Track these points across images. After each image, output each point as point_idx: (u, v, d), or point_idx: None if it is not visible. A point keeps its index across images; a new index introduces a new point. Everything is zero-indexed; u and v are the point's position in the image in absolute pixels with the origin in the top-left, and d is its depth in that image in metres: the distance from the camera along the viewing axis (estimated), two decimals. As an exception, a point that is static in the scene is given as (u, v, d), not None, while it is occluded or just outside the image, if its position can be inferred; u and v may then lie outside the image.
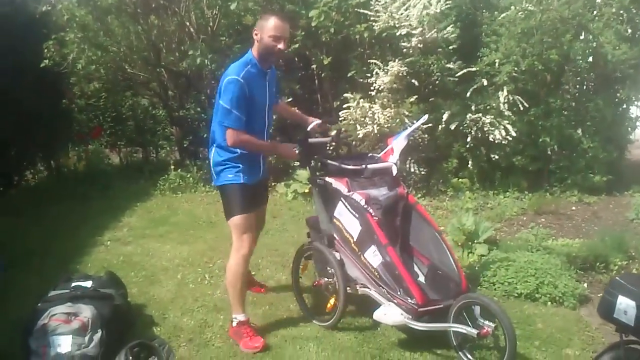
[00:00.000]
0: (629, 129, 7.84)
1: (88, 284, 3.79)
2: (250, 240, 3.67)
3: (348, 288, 3.79)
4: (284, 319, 4.01)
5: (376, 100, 7.02)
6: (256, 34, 3.57)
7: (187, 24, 8.06)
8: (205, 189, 7.60)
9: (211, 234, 5.86)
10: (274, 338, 3.74)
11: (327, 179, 3.92)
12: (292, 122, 5.58)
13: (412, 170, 7.04)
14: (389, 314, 3.59)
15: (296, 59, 8.07)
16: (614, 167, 7.44)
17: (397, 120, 6.76)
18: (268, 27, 3.51)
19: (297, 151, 3.76)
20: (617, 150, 7.55)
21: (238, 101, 3.45)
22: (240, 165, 3.63)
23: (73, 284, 3.76)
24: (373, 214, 3.68)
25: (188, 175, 7.87)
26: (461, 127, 6.99)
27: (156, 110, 9.69)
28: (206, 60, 7.43)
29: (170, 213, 6.72)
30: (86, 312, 3.43)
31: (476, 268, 4.72)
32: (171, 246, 5.52)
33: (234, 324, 3.69)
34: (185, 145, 8.87)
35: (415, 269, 3.89)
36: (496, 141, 6.87)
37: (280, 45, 3.53)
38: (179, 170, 7.99)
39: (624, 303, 2.49)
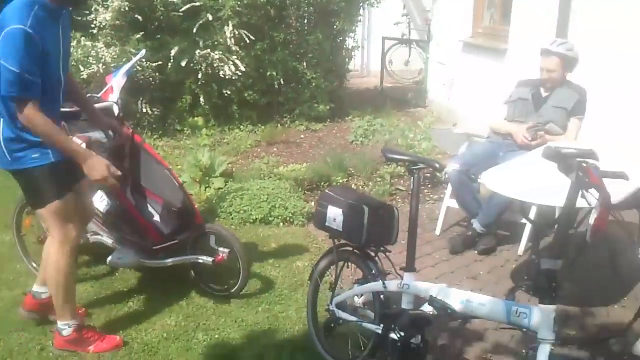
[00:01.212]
0: (346, 59, 8.55)
1: None
2: (77, 227, 2.95)
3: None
4: (10, 281, 3.69)
5: (99, 38, 6.60)
6: None
7: None
8: None
9: None
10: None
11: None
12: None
13: (145, 110, 6.83)
14: (124, 257, 3.53)
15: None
16: (336, 96, 8.12)
17: (124, 59, 6.44)
18: None
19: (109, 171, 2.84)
20: (337, 80, 8.22)
21: (28, 60, 2.55)
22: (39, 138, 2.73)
23: None
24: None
25: None
26: (191, 64, 6.94)
27: None
28: None
29: None
30: None
31: (214, 201, 4.85)
32: None
33: (65, 332, 2.99)
34: None
35: (149, 209, 3.84)
36: (226, 77, 6.98)
37: None
38: None
39: (332, 212, 2.77)
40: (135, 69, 6.15)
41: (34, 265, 3.75)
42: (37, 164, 2.77)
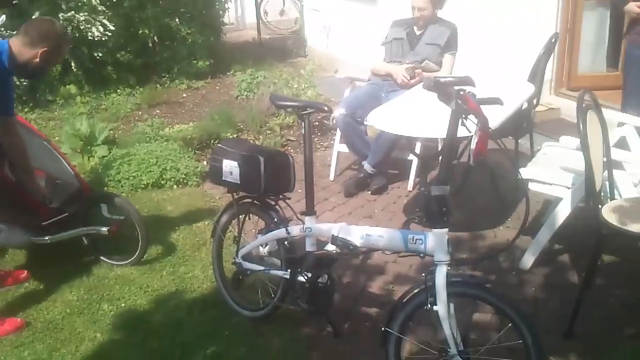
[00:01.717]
0: (220, 12, 8.35)
1: None
2: None
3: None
4: None
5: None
6: None
7: None
8: None
9: None
10: None
11: None
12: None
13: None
14: (12, 236, 3.34)
15: None
16: (214, 51, 7.95)
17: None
18: None
19: None
20: (214, 35, 8.04)
21: None
22: None
23: None
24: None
25: None
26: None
27: None
28: None
29: None
30: None
31: (99, 170, 4.65)
32: None
33: None
34: None
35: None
36: (96, 38, 6.61)
37: None
38: None
39: (228, 165, 2.76)
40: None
41: None
42: None
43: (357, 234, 2.42)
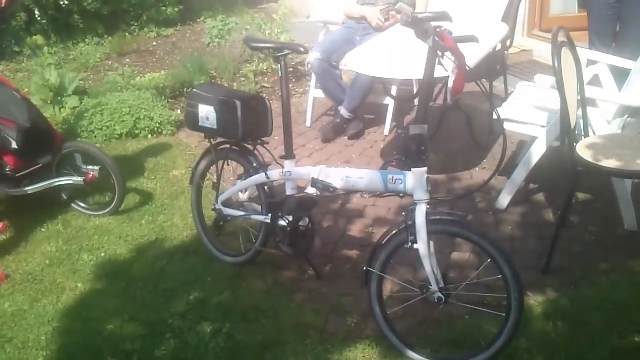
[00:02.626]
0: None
1: None
2: None
3: None
4: None
5: None
6: None
7: None
8: None
9: None
10: None
11: None
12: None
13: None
14: (-16, 189, 3.29)
15: None
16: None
17: None
18: None
19: None
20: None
21: None
22: None
23: None
24: None
25: None
26: (16, -24, 6.23)
27: None
28: None
29: None
30: None
31: (71, 120, 4.55)
32: None
33: None
34: None
35: (3, 135, 3.55)
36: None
37: None
38: None
39: (204, 110, 2.71)
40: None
41: None
42: None
43: (337, 176, 2.42)
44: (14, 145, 3.45)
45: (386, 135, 4.35)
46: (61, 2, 6.60)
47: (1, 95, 3.49)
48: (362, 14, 4.35)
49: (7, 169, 3.25)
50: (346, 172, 2.44)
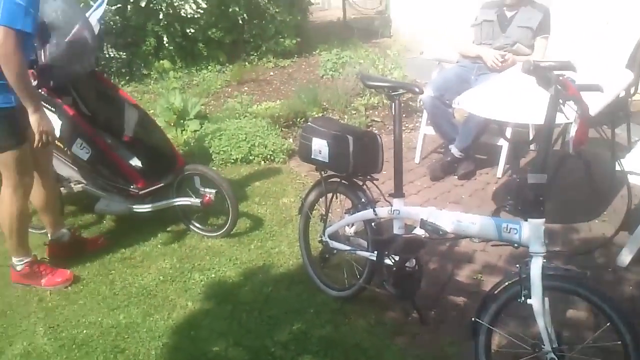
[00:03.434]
0: (307, -9, 8.39)
1: None
2: (30, 176, 2.99)
3: (62, 188, 3.60)
4: None
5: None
6: None
7: None
8: None
9: None
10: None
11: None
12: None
13: (112, 55, 6.65)
14: (111, 204, 3.54)
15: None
16: (301, 30, 7.99)
17: (82, 4, 6.19)
18: None
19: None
20: (301, 14, 8.07)
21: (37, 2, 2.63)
22: (5, 80, 2.66)
23: None
24: (70, 104, 3.45)
25: None
26: (151, 5, 6.72)
27: None
28: None
29: None
30: None
31: (192, 143, 4.82)
32: None
33: (19, 267, 3.13)
34: None
35: (129, 153, 3.81)
36: (188, 15, 6.80)
37: None
38: None
39: (317, 143, 2.78)
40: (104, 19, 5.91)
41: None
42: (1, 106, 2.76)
43: (448, 220, 2.38)
44: (139, 164, 3.70)
45: (499, 178, 4.23)
46: (188, 31, 7.04)
47: (129, 116, 3.77)
48: (478, 53, 4.30)
49: (133, 187, 3.47)
50: (457, 216, 2.40)
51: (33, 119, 2.77)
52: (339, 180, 2.86)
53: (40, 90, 3.22)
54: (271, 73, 7.19)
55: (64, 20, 3.22)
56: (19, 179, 2.93)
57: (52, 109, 3.38)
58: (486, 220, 2.28)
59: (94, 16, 3.62)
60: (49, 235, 3.39)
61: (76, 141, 3.39)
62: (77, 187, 3.62)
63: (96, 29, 3.57)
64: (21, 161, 2.90)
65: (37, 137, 2.81)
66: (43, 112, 2.83)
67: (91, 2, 6.11)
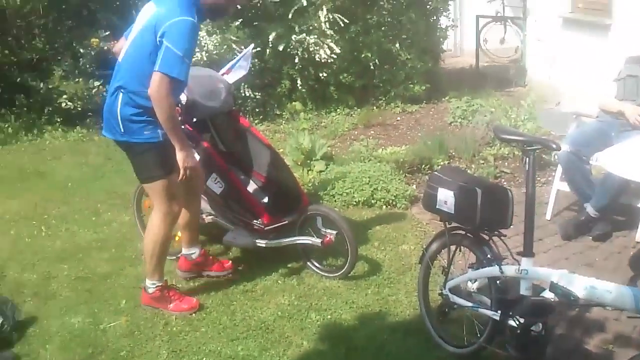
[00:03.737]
0: (441, 39, 8.39)
1: None
2: (179, 204, 3.24)
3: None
4: (132, 259, 3.94)
5: (200, 27, 6.82)
6: None
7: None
8: (27, 137, 6.90)
9: (42, 185, 5.45)
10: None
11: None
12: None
13: (248, 94, 7.02)
14: (238, 236, 3.69)
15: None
16: (431, 77, 7.97)
17: (225, 46, 6.66)
18: None
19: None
20: (432, 60, 8.08)
21: (192, 50, 2.95)
22: (156, 119, 2.98)
23: None
24: (209, 141, 3.68)
25: (6, 125, 7.10)
26: (288, 49, 7.05)
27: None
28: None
29: (-10, 168, 6.11)
30: None
31: (316, 183, 4.93)
32: (-2, 202, 5.08)
33: (150, 290, 3.32)
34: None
35: (259, 190, 3.98)
36: (322, 60, 7.04)
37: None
38: (-6, 120, 7.21)
39: (443, 194, 2.74)
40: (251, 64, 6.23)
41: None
42: (148, 140, 3.06)
43: (581, 285, 2.26)
44: (264, 199, 3.85)
45: (637, 242, 3.93)
46: (321, 75, 7.28)
47: (262, 155, 3.94)
48: (621, 109, 4.07)
49: (259, 222, 3.60)
50: (591, 281, 2.26)
51: (179, 156, 3.02)
52: (463, 232, 2.80)
53: (182, 126, 3.47)
54: (398, 118, 7.23)
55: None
56: (168, 206, 3.17)
57: (193, 143, 3.62)
58: (623, 289, 2.14)
59: (244, 60, 3.86)
60: (182, 249, 3.63)
61: (211, 175, 3.60)
62: (208, 219, 3.82)
63: (246, 71, 3.82)
64: (169, 190, 3.14)
65: (182, 172, 3.06)
66: (189, 150, 3.08)
67: (234, 47, 6.57)
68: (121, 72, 3.08)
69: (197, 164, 3.14)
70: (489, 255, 2.68)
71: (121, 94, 3.03)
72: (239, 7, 3.22)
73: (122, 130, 3.07)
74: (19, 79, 7.27)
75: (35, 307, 3.43)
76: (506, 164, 5.37)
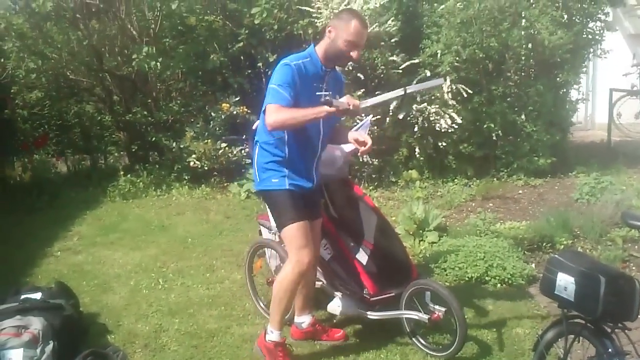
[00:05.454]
0: (570, 112, 8.08)
1: (37, 295, 3.74)
2: (310, 254, 3.25)
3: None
4: (240, 318, 4.03)
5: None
6: (330, 32, 3.22)
7: (129, 26, 7.93)
8: (156, 193, 7.49)
9: (164, 238, 5.81)
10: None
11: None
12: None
13: (366, 161, 7.12)
14: (343, 305, 3.65)
15: (242, 57, 8.05)
16: (558, 150, 7.66)
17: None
18: (347, 30, 3.14)
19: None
20: (560, 133, 7.78)
21: (287, 83, 3.10)
22: (286, 170, 3.26)
23: (22, 297, 3.71)
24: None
25: (138, 180, 7.74)
26: (408, 118, 7.10)
27: (102, 116, 9.46)
28: (154, 63, 7.31)
29: (121, 219, 6.60)
30: (36, 324, 3.38)
31: (428, 255, 4.82)
32: (123, 253, 5.44)
33: (268, 338, 3.37)
34: (133, 150, 8.71)
35: (367, 259, 3.94)
36: (442, 130, 7.02)
37: (354, 54, 3.18)
38: (129, 175, 7.85)
39: (563, 279, 2.58)
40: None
41: (262, 305, 4.05)
42: (275, 188, 3.29)
43: None
44: (372, 269, 3.80)
45: None
46: (440, 144, 7.23)
47: (373, 224, 3.91)
48: None
49: (365, 292, 3.55)
50: None
51: (337, 112, 3.04)
52: (583, 322, 2.59)
53: None
54: (520, 191, 6.96)
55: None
56: (297, 254, 3.23)
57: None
58: None
59: (362, 129, 3.94)
60: (295, 317, 3.67)
61: (321, 241, 3.63)
62: (317, 284, 3.83)
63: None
64: (299, 239, 3.23)
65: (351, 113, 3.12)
66: (324, 109, 3.04)
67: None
68: (257, 128, 3.43)
69: (348, 104, 3.04)
70: (610, 350, 2.47)
71: (258, 146, 3.37)
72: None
73: (258, 179, 3.36)
74: (154, 138, 7.91)
75: (144, 358, 3.59)
76: (636, 247, 4.96)
